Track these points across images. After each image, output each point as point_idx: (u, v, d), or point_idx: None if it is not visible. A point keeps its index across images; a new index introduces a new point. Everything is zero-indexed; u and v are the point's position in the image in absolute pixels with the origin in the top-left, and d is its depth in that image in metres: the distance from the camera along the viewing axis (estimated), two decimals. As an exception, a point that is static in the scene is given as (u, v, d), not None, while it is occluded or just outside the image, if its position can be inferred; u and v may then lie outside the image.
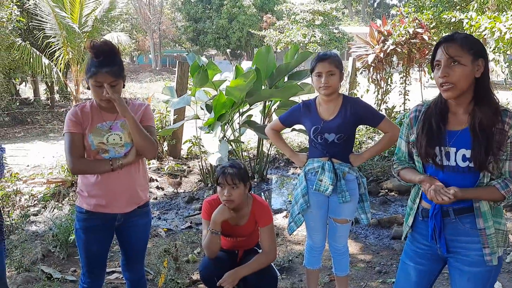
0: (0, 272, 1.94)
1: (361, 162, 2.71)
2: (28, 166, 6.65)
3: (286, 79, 5.26)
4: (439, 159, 1.81)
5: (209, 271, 2.73)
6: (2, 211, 2.07)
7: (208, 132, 4.79)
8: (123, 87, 2.22)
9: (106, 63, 2.10)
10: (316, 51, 24.50)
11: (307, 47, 24.47)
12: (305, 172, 2.72)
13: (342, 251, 2.81)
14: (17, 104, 11.31)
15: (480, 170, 1.74)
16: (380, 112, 2.73)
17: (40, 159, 7.13)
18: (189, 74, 5.39)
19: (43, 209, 4.66)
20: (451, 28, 10.74)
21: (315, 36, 25.16)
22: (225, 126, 5.32)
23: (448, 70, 1.70)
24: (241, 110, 5.42)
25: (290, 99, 5.11)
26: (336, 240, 2.78)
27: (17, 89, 12.66)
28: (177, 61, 6.77)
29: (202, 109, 5.48)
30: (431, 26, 9.47)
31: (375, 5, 46.54)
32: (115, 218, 2.28)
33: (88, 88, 2.21)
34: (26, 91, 15.86)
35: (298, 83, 4.92)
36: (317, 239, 2.79)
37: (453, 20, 8.12)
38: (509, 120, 1.72)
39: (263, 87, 5.18)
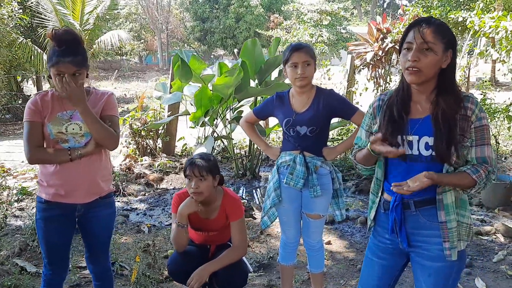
0: None
1: (335, 156, 2.63)
2: (22, 162, 6.66)
3: (276, 74, 5.18)
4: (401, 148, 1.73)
5: (178, 266, 2.67)
6: None
7: (194, 127, 4.73)
8: (87, 77, 2.16)
9: (69, 52, 2.04)
10: (323, 50, 24.41)
11: (314, 47, 24.38)
12: (278, 166, 2.66)
13: (316, 247, 2.73)
14: (19, 101, 11.38)
15: (442, 162, 1.66)
16: (353, 104, 2.63)
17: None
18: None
19: (32, 204, 4.64)
20: (459, 27, 10.59)
21: (322, 36, 25.05)
22: (214, 121, 5.26)
23: (419, 55, 1.63)
24: (231, 106, 5.35)
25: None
26: (310, 236, 2.70)
27: (21, 87, 12.74)
28: (172, 58, 6.72)
29: (192, 105, 5.42)
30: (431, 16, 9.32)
31: (385, 5, 46.20)
32: (75, 209, 2.23)
33: (50, 77, 2.14)
34: (29, 88, 15.97)
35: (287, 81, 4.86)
36: (291, 234, 2.72)
37: (460, 19, 7.98)
38: (471, 106, 1.66)
39: (251, 82, 5.11)
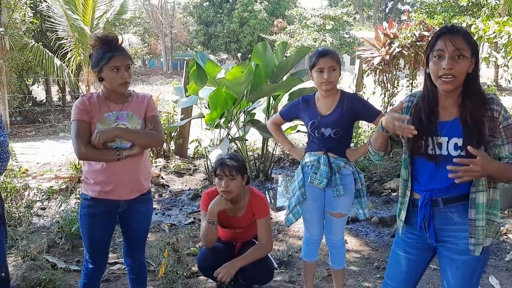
0: (1, 254, 2.01)
1: (357, 157, 2.76)
2: (38, 163, 6.80)
3: (286, 77, 5.32)
4: (431, 149, 1.84)
5: (207, 261, 2.80)
6: (2, 199, 2.15)
7: (209, 129, 4.87)
8: None
9: (119, 47, 2.26)
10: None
11: (318, 51, 24.51)
12: (302, 165, 2.78)
13: (338, 244, 2.84)
14: (29, 104, 11.53)
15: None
16: (376, 108, 2.76)
17: (50, 157, 7.28)
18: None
19: (51, 203, 4.78)
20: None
21: (325, 41, 25.21)
22: (229, 124, 5.39)
23: (454, 63, 1.71)
24: (245, 109, 5.48)
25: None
26: (332, 234, 2.81)
27: (30, 89, 12.90)
28: (185, 61, 6.87)
29: (206, 107, 5.56)
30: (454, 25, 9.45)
31: (387, 10, 46.43)
32: (119, 205, 2.36)
33: (100, 80, 2.28)
34: (39, 91, 16.14)
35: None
36: (314, 232, 2.84)
37: (463, 25, 8.12)
38: (496, 107, 1.76)
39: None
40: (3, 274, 1.86)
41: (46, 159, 7.14)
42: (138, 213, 2.43)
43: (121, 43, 2.31)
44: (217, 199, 2.67)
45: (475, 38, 7.51)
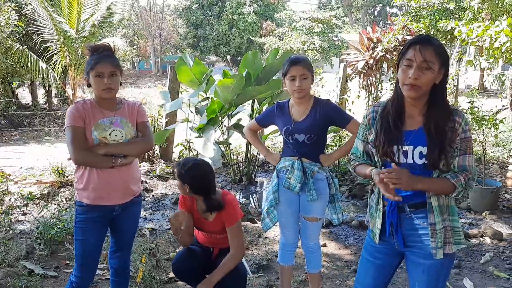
0: None
1: (331, 162, 2.79)
2: (21, 168, 6.74)
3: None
4: (397, 157, 1.89)
5: (182, 264, 2.80)
6: None
7: (199, 136, 4.88)
8: (120, 84, 2.41)
9: (105, 55, 2.33)
10: (315, 58, 24.69)
11: (306, 53, 24.64)
12: (277, 170, 2.82)
13: (313, 248, 2.88)
14: (14, 107, 11.43)
15: (433, 169, 1.82)
16: (348, 114, 2.81)
17: (34, 161, 7.22)
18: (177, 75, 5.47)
19: (33, 209, 4.76)
20: (448, 36, 10.85)
21: (314, 43, 25.34)
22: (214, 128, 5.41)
23: (420, 73, 1.76)
24: (229, 113, 5.51)
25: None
26: (308, 238, 2.85)
27: (16, 93, 12.79)
28: (169, 65, 6.88)
29: (192, 112, 5.57)
30: (428, 33, 9.59)
31: (375, 13, 46.77)
32: (114, 210, 2.44)
33: (89, 86, 2.37)
34: (25, 95, 16.00)
35: (284, 90, 5.04)
36: (289, 236, 2.87)
37: (449, 28, 8.23)
38: (458, 119, 1.82)
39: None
40: None
41: (30, 163, 7.09)
42: (128, 214, 2.52)
43: (113, 52, 2.40)
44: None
45: (458, 40, 7.64)
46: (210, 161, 4.44)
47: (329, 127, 2.84)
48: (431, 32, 10.35)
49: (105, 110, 2.39)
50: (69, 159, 2.44)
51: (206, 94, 5.31)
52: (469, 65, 8.54)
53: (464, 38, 7.54)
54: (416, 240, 1.90)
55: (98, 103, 2.40)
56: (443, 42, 9.72)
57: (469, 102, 5.57)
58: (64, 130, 2.36)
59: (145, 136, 2.49)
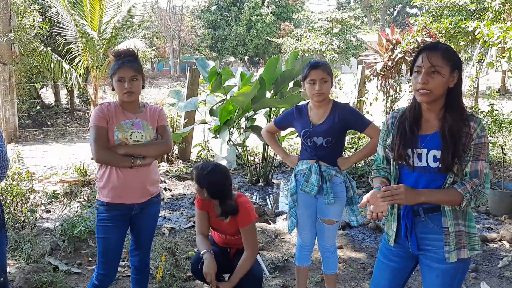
0: (1, 259, 2.11)
1: (348, 166, 2.83)
2: (44, 166, 6.93)
3: (291, 85, 5.40)
4: (412, 160, 1.93)
5: (198, 265, 2.87)
6: (1, 203, 2.27)
7: (215, 137, 4.96)
8: (142, 88, 2.52)
9: (127, 60, 2.45)
10: (333, 59, 24.61)
11: (324, 55, 24.58)
12: (295, 173, 2.87)
13: (330, 250, 2.92)
14: (38, 107, 11.72)
15: (446, 171, 1.85)
16: (367, 118, 2.84)
17: (56, 160, 7.41)
18: (203, 78, 5.56)
19: (56, 206, 4.91)
20: (469, 36, 10.73)
21: (332, 44, 25.24)
22: (230, 130, 5.49)
23: (428, 78, 1.81)
24: (246, 115, 5.57)
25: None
26: (324, 240, 2.89)
27: (39, 93, 13.10)
28: (189, 67, 6.98)
29: (211, 116, 5.66)
30: (449, 35, 9.50)
31: (395, 13, 46.33)
32: (132, 208, 2.53)
33: (113, 89, 2.50)
34: (48, 95, 16.37)
35: (301, 91, 5.08)
36: (306, 238, 2.92)
37: (470, 29, 8.14)
38: (474, 124, 1.84)
39: (268, 94, 5.33)
40: (1, 279, 1.95)
41: (53, 162, 7.28)
42: (148, 214, 2.61)
43: (135, 56, 2.51)
44: (207, 266, 2.70)
45: (479, 43, 7.55)
46: (225, 162, 4.53)
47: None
48: (452, 33, 10.24)
49: (127, 113, 2.49)
50: (92, 158, 2.54)
51: (225, 96, 5.39)
52: (490, 67, 8.44)
53: (485, 40, 7.47)
54: (430, 244, 1.92)
55: (121, 105, 2.50)
56: (464, 43, 9.58)
57: (488, 105, 5.51)
58: (89, 129, 2.48)
59: (164, 139, 2.58)
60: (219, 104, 5.50)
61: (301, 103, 3.04)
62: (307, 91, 2.74)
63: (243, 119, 5.67)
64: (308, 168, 2.77)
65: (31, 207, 4.42)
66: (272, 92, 5.40)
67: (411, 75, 1.93)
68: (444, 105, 1.89)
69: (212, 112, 5.43)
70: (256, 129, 5.44)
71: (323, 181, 2.74)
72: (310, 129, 2.75)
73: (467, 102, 10.63)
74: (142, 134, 2.48)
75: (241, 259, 2.78)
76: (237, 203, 2.74)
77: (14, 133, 9.95)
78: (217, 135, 4.94)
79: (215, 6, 32.90)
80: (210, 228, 2.96)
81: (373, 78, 8.04)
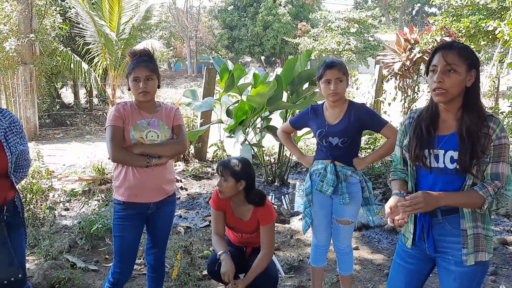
0: (20, 255, 2.15)
1: (364, 166, 2.80)
2: (64, 165, 7.05)
3: (306, 84, 5.37)
4: (428, 161, 1.90)
5: (217, 263, 2.88)
6: (22, 201, 2.31)
7: (230, 137, 4.98)
8: (158, 87, 2.54)
9: (142, 60, 2.47)
10: (350, 58, 24.43)
11: (341, 55, 24.42)
12: (310, 173, 2.86)
13: (345, 251, 2.90)
14: (57, 107, 11.92)
15: (464, 173, 1.82)
16: (383, 118, 2.81)
17: (75, 159, 7.53)
18: (219, 78, 5.58)
19: (75, 204, 4.98)
20: (489, 36, 10.55)
21: (349, 44, 25.05)
22: (246, 130, 5.49)
23: (444, 77, 1.79)
24: (262, 115, 5.57)
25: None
26: (340, 240, 2.87)
27: (59, 93, 13.33)
28: (205, 67, 7.01)
29: (228, 117, 5.68)
30: (469, 34, 9.35)
31: (413, 12, 45.77)
32: (149, 207, 2.55)
33: (129, 89, 2.52)
34: (67, 95, 16.64)
35: (316, 91, 5.06)
36: (321, 238, 2.90)
37: (490, 28, 8.00)
38: (493, 125, 1.79)
39: (284, 94, 5.31)
40: (20, 276, 1.98)
41: (72, 161, 7.40)
42: (163, 213, 2.63)
43: (151, 56, 2.53)
44: (225, 266, 2.69)
45: (500, 42, 7.40)
46: None
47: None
48: (472, 32, 10.08)
49: (143, 112, 2.51)
50: (109, 158, 2.56)
51: (239, 95, 5.39)
52: (510, 68, 8.27)
53: (506, 40, 7.32)
54: (447, 246, 1.89)
55: (137, 105, 2.52)
56: (485, 42, 9.40)
57: (509, 106, 5.41)
58: (105, 129, 2.50)
59: (179, 139, 2.60)
60: (235, 104, 5.50)
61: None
62: (322, 91, 2.73)
63: (259, 119, 5.68)
64: (324, 168, 2.75)
65: (50, 205, 4.50)
66: (288, 92, 5.39)
67: (427, 75, 1.90)
68: (462, 105, 1.86)
69: (228, 113, 5.45)
70: (272, 129, 5.43)
71: (338, 181, 2.72)
72: (325, 129, 2.73)
73: (488, 102, 10.45)
74: (158, 134, 2.50)
75: (257, 258, 2.78)
76: None
77: (35, 132, 10.14)
78: (232, 135, 4.95)
79: (232, 6, 33.00)
80: (226, 227, 2.97)
81: (391, 78, 7.96)
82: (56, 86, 11.31)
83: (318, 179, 2.77)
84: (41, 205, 4.54)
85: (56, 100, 12.16)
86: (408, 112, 2.11)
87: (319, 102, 2.95)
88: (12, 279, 1.88)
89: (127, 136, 2.45)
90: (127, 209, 2.51)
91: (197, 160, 6.91)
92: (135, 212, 2.53)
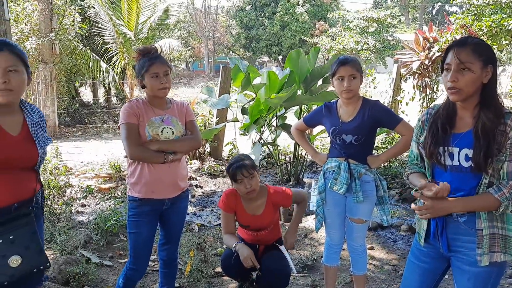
0: (40, 244, 2.18)
1: (379, 164, 2.76)
2: (82, 162, 7.15)
3: (320, 82, 5.34)
4: (443, 159, 1.86)
5: (230, 262, 2.89)
6: (43, 191, 2.34)
7: (244, 135, 4.97)
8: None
9: (157, 56, 2.50)
10: (369, 58, 24.20)
11: (359, 54, 24.20)
12: (324, 171, 2.83)
13: (359, 250, 2.86)
14: (77, 105, 12.11)
15: (478, 171, 1.77)
16: (397, 115, 2.76)
17: (93, 156, 7.63)
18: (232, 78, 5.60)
19: (91, 201, 5.04)
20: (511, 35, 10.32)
21: (368, 44, 24.81)
22: (261, 129, 5.48)
23: (458, 75, 1.74)
24: (277, 113, 5.55)
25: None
26: (353, 240, 2.83)
27: (79, 91, 13.54)
28: (221, 66, 7.03)
29: (243, 115, 5.68)
30: (491, 34, 9.17)
31: (434, 12, 45.08)
32: (164, 203, 2.56)
33: (143, 87, 2.51)
34: (87, 93, 16.89)
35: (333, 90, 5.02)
36: (335, 237, 2.87)
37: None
38: (511, 122, 1.73)
39: (298, 91, 5.29)
40: (48, 264, 1.99)
41: (90, 158, 7.50)
42: (177, 208, 2.65)
43: (160, 53, 2.55)
44: (243, 253, 2.76)
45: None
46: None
47: (379, 129, 2.82)
48: (494, 31, 9.87)
49: (156, 109, 2.52)
50: (125, 156, 2.57)
51: (254, 94, 5.38)
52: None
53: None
54: (461, 246, 1.85)
55: (149, 102, 2.53)
56: (507, 41, 9.19)
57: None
58: (119, 127, 2.50)
59: (194, 134, 2.61)
60: (251, 102, 5.50)
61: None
62: (335, 88, 2.70)
63: (274, 117, 5.66)
64: (337, 166, 2.72)
65: (67, 201, 4.56)
66: (302, 90, 5.36)
67: (441, 73, 1.86)
68: (479, 103, 1.81)
69: (244, 111, 5.44)
70: (287, 128, 5.40)
71: (352, 179, 2.68)
72: (339, 127, 2.70)
73: (510, 102, 10.22)
74: (172, 130, 2.51)
75: (296, 210, 3.02)
76: (271, 188, 2.91)
77: (54, 129, 10.31)
78: (246, 133, 4.95)
79: (249, 6, 33.01)
80: (238, 226, 2.98)
81: (409, 77, 7.84)
82: (75, 84, 11.47)
83: (331, 177, 2.74)
84: (58, 201, 4.61)
85: (76, 98, 12.34)
86: (427, 108, 2.06)
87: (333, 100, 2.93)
88: (41, 267, 1.90)
89: (143, 133, 2.46)
90: (143, 206, 2.52)
91: (212, 159, 6.92)
92: (151, 209, 2.54)
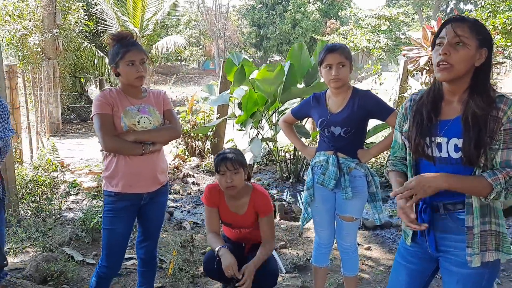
0: (1, 241, 2.05)
1: (369, 158, 2.58)
2: (81, 159, 7.08)
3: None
4: (430, 151, 1.67)
5: (212, 264, 2.72)
6: (3, 182, 2.21)
7: (241, 130, 4.82)
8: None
9: (133, 42, 2.33)
10: (381, 56, 23.86)
11: (371, 52, 23.88)
12: (312, 165, 2.66)
13: (349, 250, 2.68)
14: (82, 102, 12.08)
15: (469, 165, 1.58)
16: (389, 105, 2.57)
17: (95, 153, 7.55)
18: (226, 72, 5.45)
19: (83, 198, 4.93)
20: (526, 32, 10.04)
21: (379, 42, 24.47)
22: (258, 124, 5.32)
23: (451, 49, 1.56)
24: (277, 109, 5.38)
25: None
26: (343, 239, 2.66)
27: (85, 89, 13.52)
28: (222, 61, 6.88)
29: (239, 109, 5.52)
30: (505, 31, 8.91)
31: (448, 10, 44.38)
32: (142, 198, 2.41)
33: (117, 75, 2.35)
34: (92, 90, 16.90)
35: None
36: (324, 235, 2.70)
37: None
38: (503, 106, 1.55)
39: (299, 85, 5.11)
40: (5, 263, 1.87)
41: (91, 155, 7.43)
42: (156, 203, 2.50)
43: (136, 39, 2.39)
44: (225, 261, 2.51)
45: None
46: (250, 155, 4.36)
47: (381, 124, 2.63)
48: (508, 29, 9.58)
49: (131, 98, 2.37)
50: (101, 150, 2.42)
51: (254, 89, 5.22)
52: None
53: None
54: (450, 245, 1.67)
55: (124, 90, 2.37)
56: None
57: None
58: (91, 118, 2.33)
59: (173, 124, 2.46)
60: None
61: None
62: (323, 77, 2.52)
63: (274, 113, 5.49)
64: (326, 160, 2.54)
65: (50, 196, 4.45)
66: (303, 84, 5.18)
67: (432, 49, 1.67)
68: (469, 87, 1.62)
69: (240, 106, 5.29)
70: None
71: (341, 174, 2.50)
72: (327, 118, 2.52)
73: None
74: (150, 120, 2.36)
75: (259, 252, 2.63)
76: (259, 190, 2.68)
77: (57, 126, 10.27)
78: (243, 128, 4.78)
79: (260, 5, 32.86)
80: (221, 224, 2.82)
81: (416, 73, 7.62)
82: (80, 81, 11.45)
83: (319, 172, 2.56)
84: (48, 197, 4.50)
85: (81, 95, 12.31)
86: (411, 94, 1.87)
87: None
88: None
89: (118, 123, 2.30)
90: (120, 201, 2.36)
91: (212, 156, 6.78)
92: (128, 204, 2.38)
